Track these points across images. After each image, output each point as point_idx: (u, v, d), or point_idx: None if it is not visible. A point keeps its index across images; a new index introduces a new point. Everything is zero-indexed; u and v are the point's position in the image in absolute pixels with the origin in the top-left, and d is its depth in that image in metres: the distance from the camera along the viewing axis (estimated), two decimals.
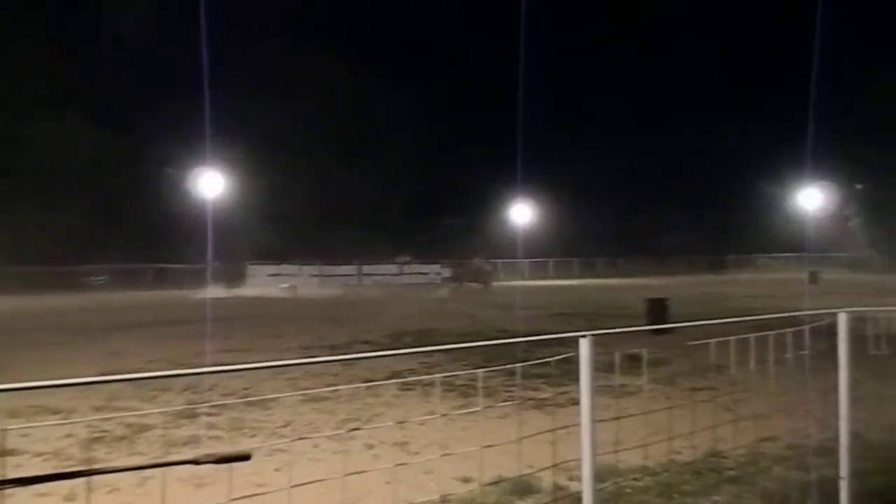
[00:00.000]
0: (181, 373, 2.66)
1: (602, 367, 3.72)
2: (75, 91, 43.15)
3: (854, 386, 4.52)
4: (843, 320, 4.07)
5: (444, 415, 4.35)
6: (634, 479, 4.75)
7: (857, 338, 4.66)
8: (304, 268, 44.82)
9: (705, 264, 52.60)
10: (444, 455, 4.66)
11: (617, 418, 3.56)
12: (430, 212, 53.25)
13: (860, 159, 46.66)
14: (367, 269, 46.80)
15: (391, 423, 6.29)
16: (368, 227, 49.15)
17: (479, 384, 3.96)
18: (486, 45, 59.40)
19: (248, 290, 35.40)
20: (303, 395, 7.46)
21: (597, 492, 3.29)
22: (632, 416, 3.86)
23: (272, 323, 18.46)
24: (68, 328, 17.13)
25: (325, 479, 2.82)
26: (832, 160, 46.17)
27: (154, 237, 42.73)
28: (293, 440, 5.86)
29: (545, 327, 15.50)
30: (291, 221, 46.38)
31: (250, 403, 7.24)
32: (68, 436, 6.23)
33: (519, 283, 40.34)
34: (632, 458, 4.59)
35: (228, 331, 15.49)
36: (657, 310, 14.25)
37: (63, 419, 6.81)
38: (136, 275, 41.43)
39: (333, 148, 51.25)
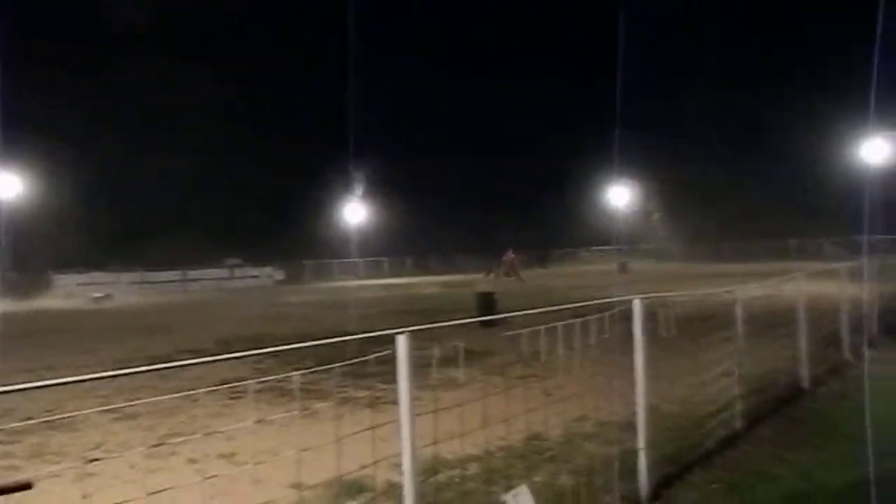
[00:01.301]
0: None
1: (434, 362, 3.86)
2: None
3: (652, 364, 5.06)
4: (637, 306, 4.54)
5: (258, 421, 4.25)
6: (462, 469, 4.95)
7: (652, 321, 5.21)
8: (122, 275, 41.42)
9: (533, 259, 55.67)
10: (259, 463, 4.57)
11: (435, 410, 3.70)
12: (258, 212, 51.45)
13: (660, 157, 51.87)
14: (192, 273, 44.19)
15: (209, 435, 6.02)
16: (193, 230, 46.48)
17: (297, 387, 3.92)
18: (313, 34, 58.46)
19: (52, 301, 32.02)
20: (115, 410, 6.92)
21: (421, 484, 3.40)
22: (459, 405, 4.02)
23: (81, 336, 16.86)
24: None
25: (130, 500, 2.65)
26: (637, 158, 51.02)
27: None
28: (91, 461, 5.42)
29: (379, 325, 15.55)
30: (105, 225, 42.69)
31: (53, 426, 6.60)
32: None
33: (354, 282, 40.25)
34: (462, 448, 4.78)
35: (24, 348, 13.93)
36: (486, 304, 14.92)
37: None
38: None
39: (152, 147, 47.87)
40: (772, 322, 7.75)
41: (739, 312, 6.31)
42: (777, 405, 6.85)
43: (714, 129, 50.73)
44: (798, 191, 46.96)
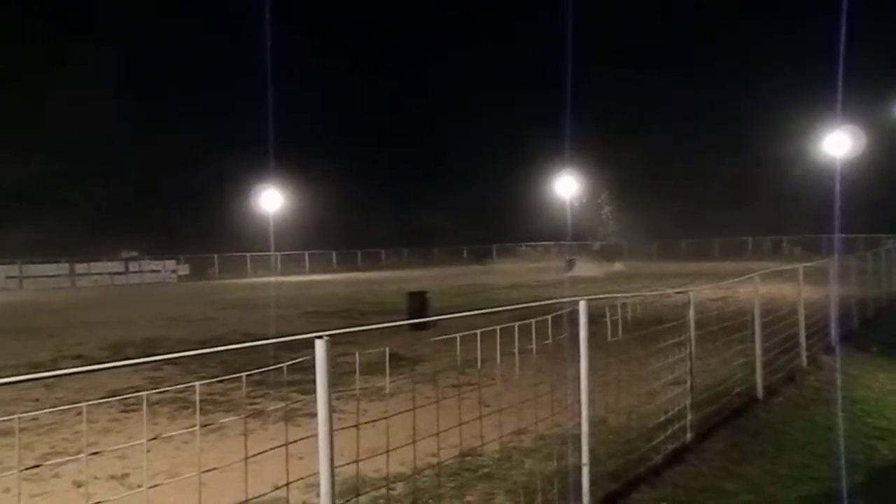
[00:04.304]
0: None
1: (361, 370, 3.82)
2: None
3: (598, 372, 5.17)
4: (583, 308, 4.63)
5: (152, 438, 4.15)
6: (389, 489, 4.95)
7: (601, 324, 5.34)
8: None
9: (469, 254, 56.10)
10: (155, 486, 4.45)
11: (358, 424, 3.68)
12: (161, 198, 49.88)
13: (614, 147, 53.08)
14: (81, 266, 42.59)
15: (98, 454, 5.83)
16: (82, 216, 44.71)
17: (199, 398, 3.85)
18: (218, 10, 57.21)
19: None
20: None
21: None
22: (385, 418, 4.00)
23: None
24: None
25: None
26: (586, 149, 52.09)
27: None
28: None
29: (295, 329, 15.41)
30: None
31: None
32: None
33: (271, 279, 39.62)
34: (389, 466, 4.78)
35: None
36: (417, 304, 14.87)
37: None
38: None
39: (35, 120, 45.58)
40: (726, 326, 8.04)
41: (692, 316, 6.52)
42: (729, 416, 7.12)
43: (670, 119, 52.35)
44: (757, 185, 48.96)
